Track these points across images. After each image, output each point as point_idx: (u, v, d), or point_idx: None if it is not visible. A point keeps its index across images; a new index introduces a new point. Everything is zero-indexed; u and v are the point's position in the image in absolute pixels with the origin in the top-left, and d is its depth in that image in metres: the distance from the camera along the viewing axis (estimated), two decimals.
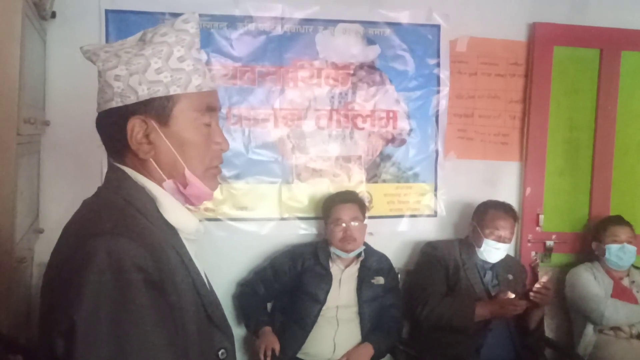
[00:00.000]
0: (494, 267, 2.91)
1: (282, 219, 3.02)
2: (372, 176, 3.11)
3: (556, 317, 3.28)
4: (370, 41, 3.05)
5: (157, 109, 1.07)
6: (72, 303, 0.90)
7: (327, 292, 2.75)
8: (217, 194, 2.84)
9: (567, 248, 3.34)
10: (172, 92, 1.08)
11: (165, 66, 1.07)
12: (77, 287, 0.90)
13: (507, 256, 3.02)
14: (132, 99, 1.06)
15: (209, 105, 1.14)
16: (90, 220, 1.02)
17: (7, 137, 2.01)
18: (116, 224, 0.98)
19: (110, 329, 0.89)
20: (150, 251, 0.97)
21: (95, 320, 0.89)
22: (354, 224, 2.78)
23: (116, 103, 1.06)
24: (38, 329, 1.03)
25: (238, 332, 2.92)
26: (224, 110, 2.87)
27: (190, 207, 1.19)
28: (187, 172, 1.11)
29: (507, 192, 3.24)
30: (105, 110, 1.08)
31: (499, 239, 2.84)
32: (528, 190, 3.28)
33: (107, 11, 2.75)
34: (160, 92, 1.07)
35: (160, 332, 0.93)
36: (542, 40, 3.22)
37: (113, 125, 1.07)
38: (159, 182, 1.10)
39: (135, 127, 1.06)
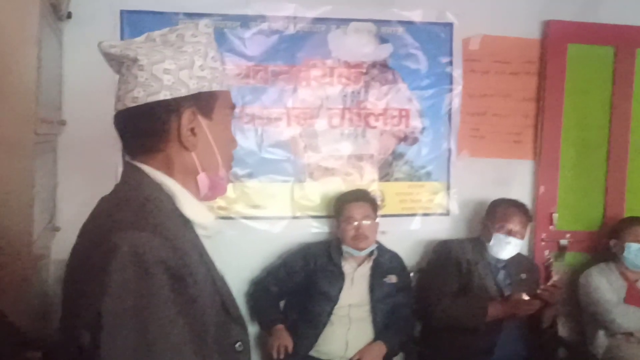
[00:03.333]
0: (506, 266, 2.91)
1: (295, 217, 3.04)
2: (384, 175, 3.12)
3: (569, 318, 3.26)
4: (382, 40, 3.05)
5: (203, 103, 1.12)
6: (97, 296, 0.92)
7: (340, 290, 2.76)
8: (230, 192, 2.86)
9: (581, 247, 3.32)
10: (214, 88, 1.13)
11: (205, 64, 1.12)
12: (101, 281, 0.92)
13: (520, 255, 3.01)
14: (182, 92, 1.09)
15: (232, 104, 1.21)
16: (110, 216, 1.04)
17: (25, 136, 2.05)
18: (136, 219, 1.00)
19: (135, 320, 0.91)
20: (170, 244, 0.99)
21: (120, 312, 0.91)
22: (366, 222, 2.79)
23: (164, 96, 1.08)
24: (61, 324, 1.06)
25: (251, 329, 2.94)
26: (237, 110, 2.88)
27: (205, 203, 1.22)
28: (221, 166, 1.17)
29: (521, 190, 3.23)
30: (146, 104, 1.09)
31: (509, 233, 2.83)
32: (542, 188, 3.26)
33: (122, 11, 2.77)
34: (206, 87, 1.12)
35: (182, 324, 0.95)
36: (555, 38, 3.20)
37: (154, 118, 1.09)
38: (191, 176, 1.14)
39: (187, 118, 1.10)
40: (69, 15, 2.66)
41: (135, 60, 1.09)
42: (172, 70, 1.08)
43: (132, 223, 0.99)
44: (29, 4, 2.04)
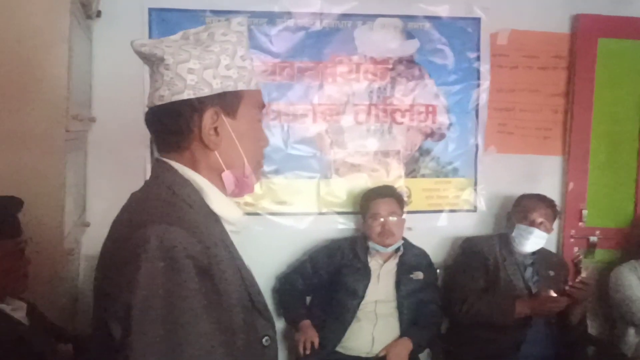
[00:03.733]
0: (534, 262, 2.88)
1: (321, 213, 3.04)
2: (411, 171, 3.11)
3: (599, 315, 3.23)
4: (409, 35, 3.04)
5: (227, 103, 1.13)
6: (127, 289, 0.94)
7: (366, 286, 2.76)
8: (256, 188, 2.87)
9: (611, 244, 3.27)
10: (239, 88, 1.14)
11: (232, 63, 1.13)
12: (131, 274, 0.94)
13: (549, 252, 2.99)
14: (205, 92, 1.10)
15: (262, 103, 1.22)
16: (140, 211, 1.06)
17: (57, 133, 2.09)
18: (165, 213, 1.02)
19: (163, 313, 0.93)
20: (199, 239, 1.00)
21: (149, 304, 0.93)
22: (392, 218, 2.78)
23: (188, 95, 1.09)
24: (93, 317, 1.08)
25: (277, 325, 2.94)
26: None
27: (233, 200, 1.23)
28: (247, 164, 1.17)
29: (549, 186, 3.18)
30: (171, 102, 1.11)
31: (532, 224, 2.81)
32: (571, 185, 3.22)
33: (150, 9, 2.80)
34: (231, 87, 1.13)
35: (210, 317, 0.96)
36: (586, 32, 3.15)
37: (178, 117, 1.11)
38: (216, 174, 1.15)
39: (209, 118, 1.11)
40: (99, 14, 2.70)
41: (162, 59, 1.11)
42: (196, 70, 1.10)
43: (161, 217, 1.01)
44: (59, 3, 2.08)
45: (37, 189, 2.07)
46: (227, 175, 1.15)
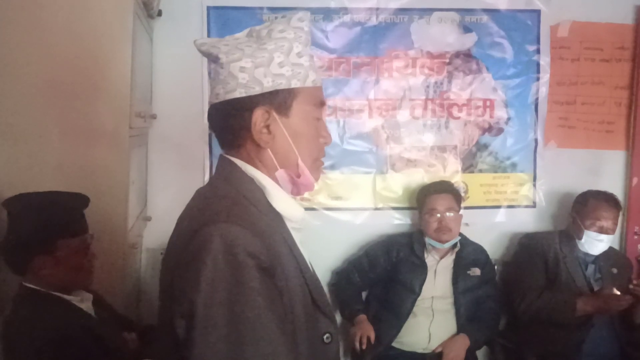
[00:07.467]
0: (596, 260, 2.81)
1: (377, 209, 3.04)
2: (468, 166, 3.07)
3: None
4: (466, 29, 3.00)
5: (279, 100, 1.12)
6: (191, 287, 0.96)
7: (422, 282, 2.75)
8: None
9: None
10: (293, 86, 1.13)
11: (287, 60, 1.12)
12: (195, 272, 0.96)
13: (612, 249, 2.90)
14: (256, 90, 1.11)
15: (321, 100, 1.19)
16: (205, 209, 1.07)
17: (122, 130, 2.15)
18: (229, 212, 1.03)
19: (227, 311, 0.95)
20: (261, 238, 1.01)
21: (212, 302, 0.95)
22: (449, 214, 2.76)
23: (240, 94, 1.11)
24: (159, 311, 1.11)
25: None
26: None
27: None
28: (300, 163, 1.16)
29: (612, 182, 3.11)
30: (225, 101, 1.12)
31: (601, 230, 2.73)
32: (635, 180, 3.13)
33: (208, 8, 2.85)
34: (283, 84, 1.12)
35: (272, 315, 0.98)
36: None
37: (232, 115, 1.13)
38: (271, 172, 1.15)
39: (259, 116, 1.11)
40: (159, 13, 2.76)
41: (217, 58, 1.12)
42: (248, 69, 1.10)
43: (224, 216, 1.02)
44: (123, 3, 2.14)
45: (103, 185, 2.13)
46: (281, 174, 1.16)
